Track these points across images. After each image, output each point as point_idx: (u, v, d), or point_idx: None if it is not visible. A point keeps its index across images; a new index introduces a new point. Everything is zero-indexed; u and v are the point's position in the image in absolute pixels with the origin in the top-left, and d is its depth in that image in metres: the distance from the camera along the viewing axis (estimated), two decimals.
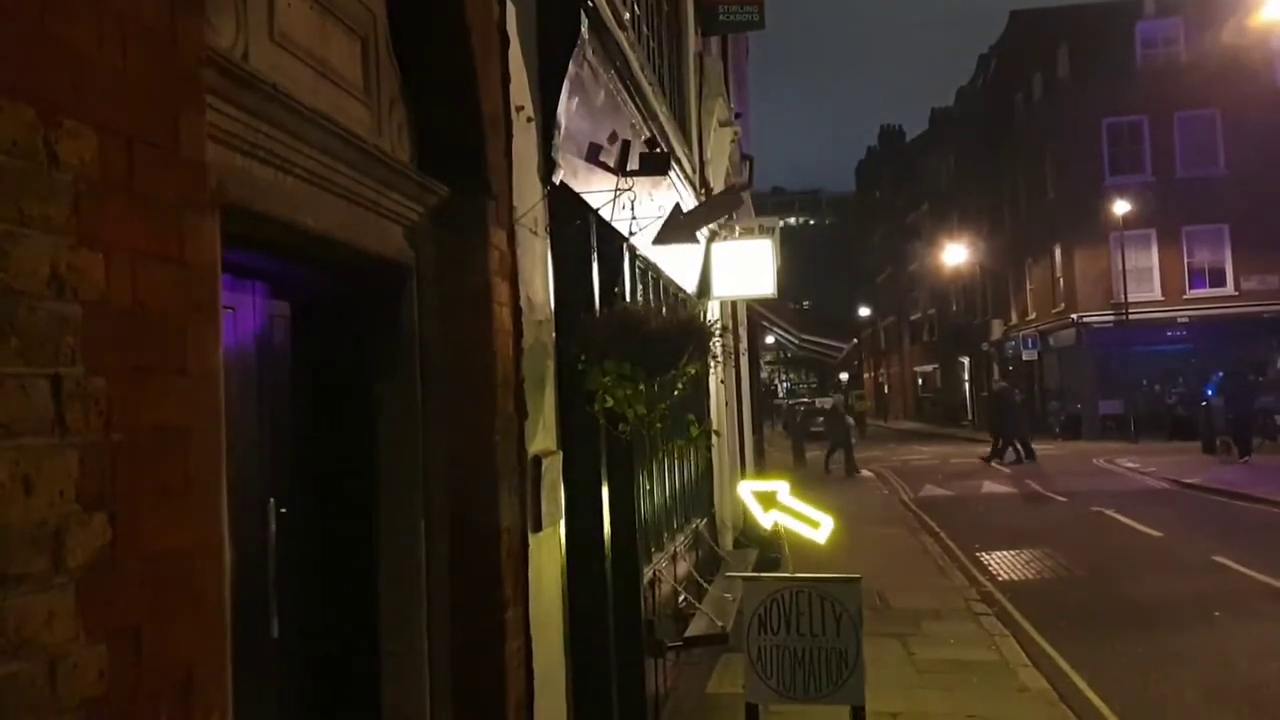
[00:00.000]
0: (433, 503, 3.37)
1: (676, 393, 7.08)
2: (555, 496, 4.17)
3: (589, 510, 5.14)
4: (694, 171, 9.09)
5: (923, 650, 8.70)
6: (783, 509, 6.09)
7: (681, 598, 7.73)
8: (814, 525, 6.07)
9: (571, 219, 4.91)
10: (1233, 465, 22.13)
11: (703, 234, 10.19)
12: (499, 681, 3.43)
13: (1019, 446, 26.11)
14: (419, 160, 3.50)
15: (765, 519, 6.13)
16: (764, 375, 35.31)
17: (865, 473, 25.62)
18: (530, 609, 3.77)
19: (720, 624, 6.60)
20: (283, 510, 2.96)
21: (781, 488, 6.20)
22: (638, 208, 5.78)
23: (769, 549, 10.85)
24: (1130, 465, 24.66)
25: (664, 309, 4.28)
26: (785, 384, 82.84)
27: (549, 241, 4.48)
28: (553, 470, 4.14)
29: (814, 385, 76.19)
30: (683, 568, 7.99)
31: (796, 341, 22.35)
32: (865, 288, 73.15)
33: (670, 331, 4.39)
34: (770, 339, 36.88)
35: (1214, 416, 24.68)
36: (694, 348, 4.49)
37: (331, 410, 3.25)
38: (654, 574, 6.64)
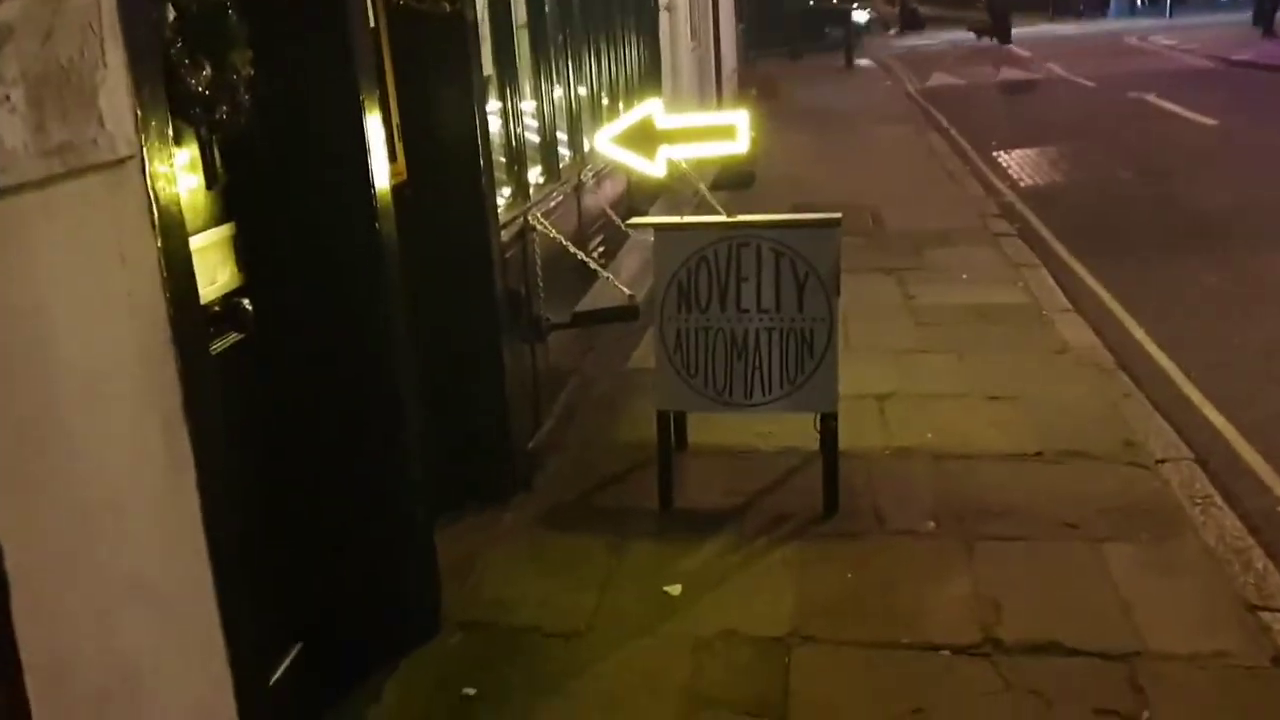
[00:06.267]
0: None
1: None
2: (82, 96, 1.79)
3: (340, 127, 2.81)
4: None
5: (925, 291, 6.57)
6: (670, 137, 3.81)
7: (595, 246, 5.53)
8: (727, 135, 3.76)
9: None
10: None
11: None
12: None
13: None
14: None
15: (654, 166, 3.83)
16: None
17: (865, 61, 22.61)
18: None
19: (630, 293, 4.44)
20: None
21: (653, 107, 3.89)
22: None
23: (737, 163, 8.49)
24: (1167, 43, 21.73)
25: None
26: None
27: None
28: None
29: None
30: (595, 205, 5.70)
31: None
32: None
33: None
34: None
35: None
36: None
37: None
38: (529, 220, 4.39)
